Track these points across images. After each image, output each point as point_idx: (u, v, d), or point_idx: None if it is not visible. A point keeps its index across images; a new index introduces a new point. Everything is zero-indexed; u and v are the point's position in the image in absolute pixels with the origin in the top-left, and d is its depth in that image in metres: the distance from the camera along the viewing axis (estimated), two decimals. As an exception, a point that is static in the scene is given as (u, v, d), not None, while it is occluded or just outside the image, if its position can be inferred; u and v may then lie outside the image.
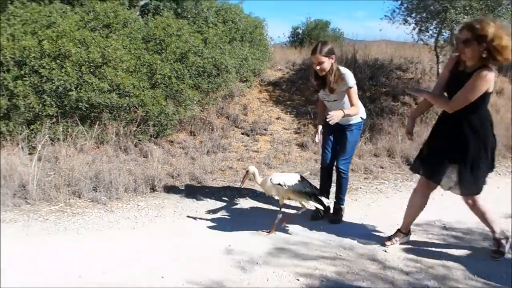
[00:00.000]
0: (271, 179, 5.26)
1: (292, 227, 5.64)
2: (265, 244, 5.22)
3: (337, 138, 5.84)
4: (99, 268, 4.58)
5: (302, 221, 5.75)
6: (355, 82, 5.48)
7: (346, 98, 5.51)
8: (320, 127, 5.86)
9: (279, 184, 5.22)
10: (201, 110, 9.47)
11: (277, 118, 10.03)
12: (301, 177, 5.42)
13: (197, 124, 9.14)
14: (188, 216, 6.03)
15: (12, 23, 8.51)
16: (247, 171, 5.47)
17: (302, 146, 9.06)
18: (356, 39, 16.79)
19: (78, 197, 6.52)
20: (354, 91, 5.47)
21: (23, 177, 6.53)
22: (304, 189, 5.27)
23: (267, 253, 5.00)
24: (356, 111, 5.54)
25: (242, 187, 6.42)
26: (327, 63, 5.32)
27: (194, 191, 6.94)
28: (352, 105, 5.45)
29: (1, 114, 7.82)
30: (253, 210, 6.34)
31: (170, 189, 6.92)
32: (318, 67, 5.36)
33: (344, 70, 5.46)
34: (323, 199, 5.38)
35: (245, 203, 6.53)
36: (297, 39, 19.41)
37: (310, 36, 18.93)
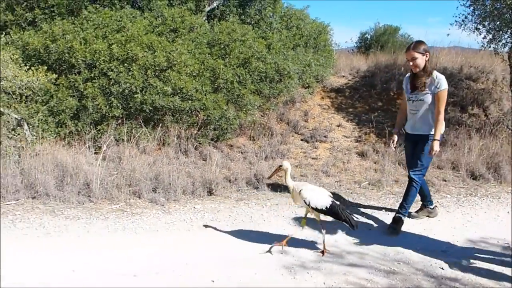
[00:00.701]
0: (301, 191, 5.01)
1: (349, 236, 5.49)
2: (318, 250, 5.12)
3: (414, 148, 5.88)
4: (153, 268, 4.66)
5: (360, 231, 5.57)
6: (447, 87, 5.53)
7: (429, 103, 5.57)
8: (395, 137, 6.05)
9: (304, 200, 4.98)
10: (262, 115, 9.48)
11: (338, 126, 9.84)
12: (332, 200, 5.04)
13: (257, 129, 9.14)
14: (242, 221, 6.03)
15: (85, 27, 8.92)
16: (280, 166, 5.23)
17: (362, 155, 8.81)
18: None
19: (138, 197, 6.69)
20: (444, 96, 5.50)
21: (88, 176, 6.80)
22: (327, 212, 4.98)
23: (319, 260, 4.90)
24: (441, 128, 5.61)
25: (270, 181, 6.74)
26: (421, 59, 5.49)
27: (250, 196, 6.94)
28: (438, 112, 5.49)
29: (71, 114, 8.19)
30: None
31: (227, 193, 6.95)
32: (411, 63, 5.54)
33: (439, 74, 5.61)
34: (350, 219, 5.01)
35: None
36: (365, 45, 18.97)
37: (378, 42, 18.40)
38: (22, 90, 7.62)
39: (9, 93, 7.84)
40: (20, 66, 7.66)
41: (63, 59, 8.40)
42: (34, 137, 7.58)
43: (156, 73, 8.24)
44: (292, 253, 5.07)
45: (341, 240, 5.47)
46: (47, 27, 8.96)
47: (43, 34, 8.83)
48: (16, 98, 7.90)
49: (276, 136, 9.03)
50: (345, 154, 8.79)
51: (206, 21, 10.89)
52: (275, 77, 9.33)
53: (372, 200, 7.01)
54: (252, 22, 11.00)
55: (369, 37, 19.42)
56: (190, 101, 8.24)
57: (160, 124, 8.30)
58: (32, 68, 7.73)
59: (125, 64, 8.20)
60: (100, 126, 8.12)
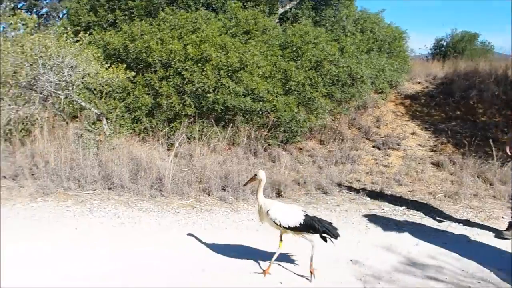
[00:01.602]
0: (268, 211, 4.42)
1: (421, 248, 5.24)
2: (392, 260, 4.91)
3: None
4: (221, 264, 4.67)
5: (436, 243, 5.30)
6: None
7: None
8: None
9: (274, 221, 4.43)
10: (332, 120, 9.33)
11: (412, 134, 9.48)
12: (305, 214, 4.44)
13: (327, 133, 9.01)
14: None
15: (162, 28, 9.19)
16: (255, 175, 4.66)
17: (437, 165, 8.41)
18: (509, 54, 15.32)
19: (207, 195, 6.77)
20: None
21: (161, 171, 6.96)
22: (303, 228, 4.37)
23: (393, 270, 4.70)
24: None
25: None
26: None
27: (319, 201, 6.81)
28: None
29: (146, 112, 8.46)
30: (381, 225, 6.00)
31: (296, 196, 6.87)
32: None
33: None
34: (330, 229, 4.43)
35: (373, 219, 6.20)
36: (440, 52, 18.31)
37: (455, 49, 17.73)
38: (103, 86, 7.96)
39: (90, 89, 8.23)
40: (102, 64, 8.00)
41: (141, 58, 8.71)
42: (112, 132, 7.89)
43: (229, 74, 8.32)
44: (364, 263, 4.90)
45: (413, 252, 5.22)
46: (127, 28, 9.34)
47: (123, 34, 9.21)
48: (97, 95, 8.27)
49: (347, 141, 8.84)
50: (419, 163, 8.43)
51: (279, 23, 10.91)
52: (347, 81, 9.16)
53: (448, 213, 6.66)
54: (326, 25, 10.88)
55: (445, 43, 18.74)
56: (261, 102, 8.25)
57: (231, 124, 8.37)
58: (112, 66, 8.06)
59: (199, 64, 8.36)
60: (173, 124, 8.32)
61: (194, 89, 8.19)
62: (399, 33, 11.65)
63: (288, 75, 8.63)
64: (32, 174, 7.15)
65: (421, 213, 6.49)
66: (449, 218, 6.40)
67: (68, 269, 4.51)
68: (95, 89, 8.13)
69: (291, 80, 8.59)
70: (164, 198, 6.60)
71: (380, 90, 10.30)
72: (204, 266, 4.61)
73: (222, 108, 8.19)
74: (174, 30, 9.08)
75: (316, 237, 4.46)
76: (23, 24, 7.76)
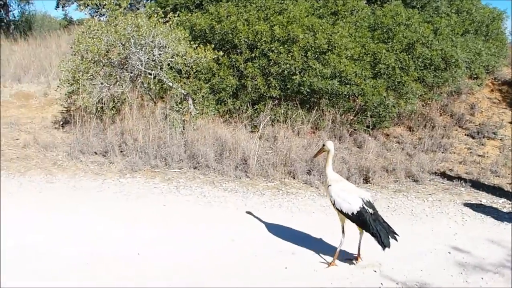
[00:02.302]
0: (329, 186, 4.21)
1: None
2: (496, 255, 4.53)
3: None
4: (312, 247, 4.54)
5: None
6: None
7: None
8: None
9: (330, 198, 4.20)
10: (423, 105, 8.83)
11: (510, 122, 8.77)
12: (368, 202, 4.13)
13: (416, 119, 8.55)
14: (402, 213, 5.62)
15: (248, 9, 9.08)
16: (324, 145, 4.37)
17: (540, 157, 7.74)
18: None
19: (292, 178, 6.64)
20: None
21: (246, 152, 6.92)
22: (353, 215, 4.07)
23: (498, 265, 4.34)
24: None
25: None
26: None
27: (409, 189, 6.47)
28: None
29: (231, 93, 8.44)
30: (480, 217, 5.57)
31: (384, 183, 6.57)
32: None
33: None
34: (381, 235, 4.01)
35: (470, 210, 5.78)
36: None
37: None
38: (189, 67, 8.01)
39: (177, 70, 8.32)
40: (190, 44, 8.05)
41: (226, 39, 8.67)
42: (197, 112, 7.94)
43: (316, 55, 8.09)
44: (463, 256, 4.56)
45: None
46: (213, 9, 9.33)
47: (209, 16, 9.21)
48: (183, 75, 8.36)
49: (438, 128, 8.33)
50: (518, 154, 7.80)
51: (367, 4, 10.45)
52: (440, 64, 8.58)
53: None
54: (417, 6, 10.29)
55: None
56: (348, 85, 7.95)
57: (316, 107, 8.15)
58: (200, 46, 8.08)
59: (286, 46, 8.19)
60: (257, 106, 8.24)
61: (280, 70, 8.04)
62: (498, 13, 10.77)
63: (378, 57, 8.24)
64: (121, 151, 7.37)
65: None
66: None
67: (154, 249, 4.59)
68: (181, 69, 8.21)
69: (380, 63, 8.19)
70: (248, 179, 6.56)
71: (476, 76, 9.60)
72: (294, 249, 4.50)
73: (307, 90, 7.99)
74: (261, 11, 8.94)
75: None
76: (116, 4, 7.97)
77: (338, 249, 4.25)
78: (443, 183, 6.75)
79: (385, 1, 10.40)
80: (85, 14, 9.30)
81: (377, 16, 9.10)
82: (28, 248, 4.47)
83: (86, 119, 7.96)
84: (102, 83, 8.02)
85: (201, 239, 4.71)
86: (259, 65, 8.27)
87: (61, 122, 8.91)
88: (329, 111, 8.10)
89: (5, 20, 19.28)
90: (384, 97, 8.00)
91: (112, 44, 7.75)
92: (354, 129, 8.14)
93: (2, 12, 19.35)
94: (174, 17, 8.26)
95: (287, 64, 7.98)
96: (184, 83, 8.27)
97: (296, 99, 8.22)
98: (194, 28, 9.07)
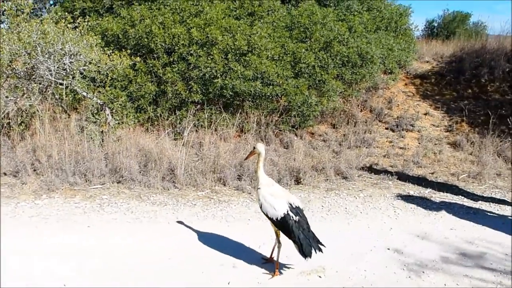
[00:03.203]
0: (259, 189, 4.16)
1: (465, 229, 4.96)
2: (431, 247, 4.62)
3: None
4: (253, 257, 4.36)
5: (475, 224, 5.02)
6: None
7: None
8: None
9: (259, 202, 4.14)
10: (344, 102, 8.98)
11: (425, 114, 9.18)
12: (297, 208, 4.03)
13: (339, 116, 8.68)
14: (337, 212, 5.62)
15: (163, 12, 8.73)
16: (254, 148, 4.27)
17: (455, 145, 8.15)
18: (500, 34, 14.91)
19: (223, 185, 6.43)
20: None
21: (172, 162, 6.60)
22: (277, 221, 3.98)
23: (435, 258, 4.42)
24: None
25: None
26: None
27: (340, 187, 6.51)
28: None
29: (150, 100, 8.06)
30: (411, 209, 5.70)
31: (316, 183, 6.55)
32: None
33: None
34: (303, 244, 3.88)
35: (400, 203, 5.90)
36: (432, 33, 18.00)
37: (447, 30, 17.40)
38: (104, 75, 7.53)
39: (91, 78, 7.79)
40: (103, 51, 7.57)
41: (142, 44, 8.28)
42: (116, 122, 7.49)
43: (237, 57, 7.93)
44: (402, 251, 4.61)
45: (451, 237, 4.94)
46: (125, 12, 8.87)
47: (121, 20, 8.75)
48: (98, 83, 7.85)
49: (360, 124, 8.52)
50: (436, 144, 8.16)
51: (282, 4, 10.47)
52: (357, 61, 8.76)
53: (476, 193, 6.38)
54: (330, 5, 10.48)
55: (436, 25, 18.47)
56: (271, 86, 7.88)
57: (240, 110, 8.00)
58: (114, 52, 7.63)
59: (205, 48, 7.96)
60: (179, 112, 7.94)
61: (201, 74, 7.80)
62: (404, 10, 11.24)
63: (297, 57, 8.25)
64: (35, 170, 6.75)
65: (449, 195, 6.23)
66: (478, 199, 6.14)
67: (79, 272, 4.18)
68: (96, 78, 7.70)
69: (300, 62, 8.21)
70: (177, 190, 6.25)
71: (390, 71, 9.94)
72: (235, 262, 4.30)
73: (230, 93, 7.81)
74: (176, 14, 8.62)
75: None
76: (18, 10, 7.29)
77: (277, 257, 4.10)
78: (371, 178, 6.87)
79: (299, 1, 10.49)
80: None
81: (294, 15, 9.11)
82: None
83: (-9, 137, 7.23)
84: (7, 97, 7.30)
85: (134, 261, 4.35)
86: (178, 69, 7.97)
87: (-39, 142, 8.03)
88: (253, 113, 7.98)
89: None
90: (307, 96, 8.02)
91: (16, 53, 7.07)
92: (280, 130, 8.09)
93: None
94: (84, 22, 7.72)
95: (208, 67, 7.76)
96: (100, 92, 7.75)
97: (219, 103, 8.02)
98: (106, 33, 8.56)
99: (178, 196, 6.06)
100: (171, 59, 8.10)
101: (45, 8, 17.29)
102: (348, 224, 5.27)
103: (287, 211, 3.94)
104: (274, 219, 3.97)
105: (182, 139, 7.30)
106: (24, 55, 7.02)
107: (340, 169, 6.87)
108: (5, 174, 6.70)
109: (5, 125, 7.37)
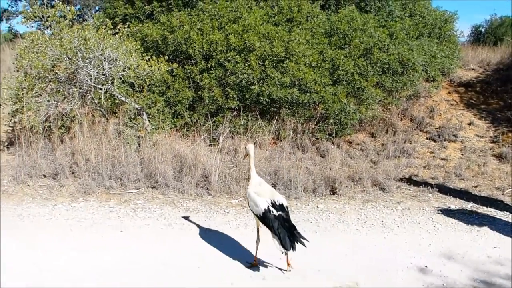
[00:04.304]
0: (247, 188, 4.52)
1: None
2: (471, 268, 4.39)
3: None
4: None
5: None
6: None
7: None
8: None
9: (247, 199, 4.44)
10: (383, 111, 8.75)
11: (469, 124, 8.83)
12: (279, 205, 4.26)
13: (378, 125, 8.46)
14: (373, 225, 5.44)
15: (201, 18, 8.77)
16: (245, 148, 4.72)
17: (500, 157, 7.78)
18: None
19: (257, 193, 6.34)
20: None
21: (206, 168, 6.58)
22: (259, 217, 4.25)
23: (474, 281, 4.18)
24: None
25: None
26: None
27: (377, 198, 6.30)
28: None
29: (187, 106, 8.09)
30: (451, 224, 5.45)
31: (352, 193, 6.38)
32: None
33: None
34: (281, 236, 4.06)
35: (440, 218, 5.66)
36: (478, 39, 17.40)
37: (495, 35, 16.80)
38: (143, 80, 7.61)
39: (129, 83, 7.90)
40: (142, 57, 7.66)
41: (180, 50, 8.32)
42: (153, 127, 7.55)
43: (274, 64, 7.85)
44: (437, 272, 4.40)
45: (494, 256, 4.66)
46: (165, 19, 8.96)
47: (161, 26, 8.84)
48: (136, 89, 7.95)
49: (400, 133, 8.28)
50: (480, 156, 7.81)
51: (321, 10, 10.34)
52: (398, 69, 8.53)
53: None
54: (371, 11, 10.27)
55: (483, 30, 17.88)
56: (308, 94, 7.76)
57: (276, 117, 7.92)
58: (153, 58, 7.71)
59: (242, 55, 7.92)
60: (216, 118, 7.92)
61: (238, 81, 7.76)
62: (449, 16, 10.90)
63: (336, 64, 8.10)
64: (73, 173, 6.88)
65: (493, 210, 5.93)
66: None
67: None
68: (134, 83, 7.80)
69: (339, 70, 8.05)
70: (211, 197, 6.22)
71: (432, 78, 9.64)
72: (265, 275, 4.21)
73: (267, 100, 7.73)
74: (214, 20, 8.63)
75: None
76: (61, 17, 7.47)
77: (255, 252, 4.40)
78: (410, 189, 6.64)
79: (340, 7, 10.33)
80: (30, 27, 8.74)
81: (333, 22, 8.97)
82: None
83: (33, 139, 7.40)
84: (48, 101, 7.50)
85: (167, 268, 4.33)
86: (215, 75, 7.97)
87: (6, 144, 8.29)
88: (289, 120, 7.88)
89: None
90: (345, 104, 7.86)
91: (58, 59, 7.24)
92: (316, 138, 7.95)
93: None
94: (124, 28, 7.84)
95: (245, 73, 7.71)
96: (138, 97, 7.84)
97: (255, 110, 7.96)
98: (146, 39, 8.67)
99: (211, 203, 6.03)
100: (209, 65, 8.11)
101: (91, 13, 17.82)
102: (384, 238, 5.08)
103: (268, 207, 4.22)
104: (258, 215, 4.27)
105: (218, 145, 7.28)
106: (66, 60, 7.17)
107: (377, 180, 6.66)
108: (44, 176, 6.87)
109: (46, 128, 7.54)
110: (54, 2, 7.76)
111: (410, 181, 6.92)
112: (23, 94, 7.37)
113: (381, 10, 10.27)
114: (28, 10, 7.67)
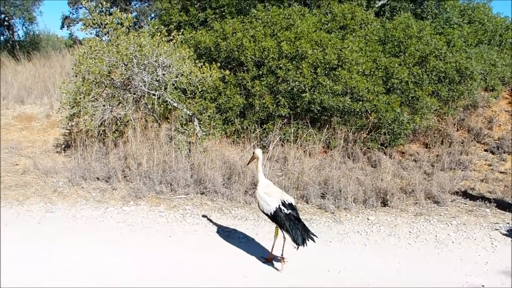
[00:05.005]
0: (256, 190, 4.77)
1: None
2: None
3: None
4: (334, 281, 4.17)
5: None
6: None
7: None
8: None
9: (258, 201, 4.70)
10: (438, 121, 8.45)
11: (531, 136, 8.38)
12: (289, 204, 4.51)
13: (433, 135, 8.18)
14: (426, 240, 5.24)
15: (254, 25, 8.81)
16: (253, 153, 4.95)
17: None
18: None
19: (305, 202, 6.28)
20: None
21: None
22: (271, 215, 4.51)
23: None
24: None
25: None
26: None
27: (431, 212, 6.07)
28: None
29: (238, 112, 8.12)
30: (507, 244, 5.17)
31: (404, 206, 6.18)
32: None
33: None
34: (293, 232, 4.31)
35: (499, 235, 5.38)
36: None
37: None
38: (195, 86, 7.72)
39: (181, 89, 8.03)
40: (195, 63, 7.77)
41: (232, 57, 8.38)
42: (204, 133, 7.62)
43: (326, 72, 7.76)
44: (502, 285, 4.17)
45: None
46: (218, 26, 9.06)
47: (214, 33, 8.94)
48: (188, 95, 8.07)
49: (455, 144, 7.95)
50: (543, 170, 7.40)
51: (376, 17, 10.16)
52: (455, 77, 8.21)
53: None
54: (427, 17, 9.99)
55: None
56: (361, 102, 7.61)
57: (327, 126, 7.81)
58: (205, 64, 7.80)
59: (294, 62, 7.89)
60: (266, 125, 7.91)
61: (289, 88, 7.73)
62: (511, 22, 10.43)
63: (390, 72, 7.90)
64: (125, 176, 7.06)
65: None
66: None
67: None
68: (186, 89, 7.92)
69: (393, 78, 7.86)
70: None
71: (491, 88, 9.22)
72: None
73: (318, 108, 7.65)
74: (267, 27, 8.65)
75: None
76: (118, 24, 7.70)
77: (271, 247, 4.67)
78: (465, 204, 6.36)
79: (395, 14, 10.11)
80: (88, 34, 9.05)
81: (387, 29, 8.78)
82: (25, 285, 4.13)
83: (88, 142, 7.67)
84: (104, 105, 7.75)
85: (212, 275, 4.35)
86: (266, 82, 7.97)
87: (63, 146, 8.63)
88: (341, 129, 7.75)
89: (10, 41, 19.25)
90: (398, 113, 7.65)
91: (114, 65, 7.47)
92: (368, 148, 7.78)
93: (7, 32, 19.32)
94: (178, 35, 7.99)
95: (296, 81, 7.67)
96: (189, 103, 7.96)
97: (306, 118, 7.89)
98: (199, 46, 8.80)
99: (259, 211, 5.93)
100: (260, 72, 8.13)
101: (146, 20, 18.34)
102: (438, 254, 4.88)
103: (279, 206, 4.46)
104: (269, 213, 4.51)
105: (267, 153, 7.26)
106: (122, 66, 7.38)
107: (431, 193, 6.43)
108: (98, 178, 7.07)
109: (101, 132, 7.78)
110: (112, 9, 8.02)
111: (466, 194, 6.63)
112: (80, 98, 7.64)
113: (438, 17, 9.99)
114: (88, 18, 7.94)
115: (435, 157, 7.72)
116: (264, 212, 4.62)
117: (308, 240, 4.30)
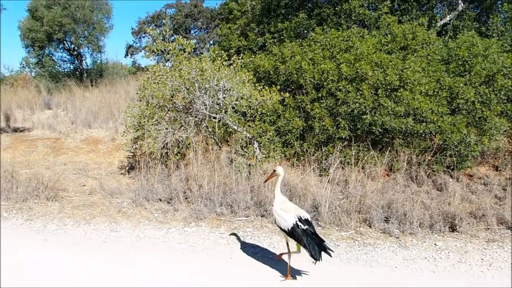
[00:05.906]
0: (272, 206, 4.90)
1: None
2: None
3: None
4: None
5: None
6: None
7: None
8: None
9: (274, 217, 4.80)
10: (509, 142, 8.04)
11: None
12: (305, 220, 4.60)
13: (503, 157, 7.77)
14: (500, 268, 4.92)
15: (313, 48, 8.83)
16: (274, 170, 5.03)
17: None
18: None
19: (368, 226, 6.10)
20: None
21: (316, 198, 6.48)
22: (288, 231, 4.58)
23: None
24: None
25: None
26: None
27: (504, 238, 5.72)
28: None
29: (297, 135, 8.10)
30: None
31: (474, 231, 5.86)
32: None
33: None
34: (311, 247, 4.41)
35: None
36: None
37: None
38: (254, 109, 7.79)
39: (241, 112, 8.13)
40: (255, 87, 7.86)
41: (291, 79, 8.42)
42: (263, 156, 7.64)
43: (387, 93, 7.61)
44: None
45: None
46: (277, 49, 9.16)
47: (273, 57, 9.04)
48: (247, 118, 8.15)
49: (528, 167, 7.52)
50: None
51: (438, 37, 9.91)
52: (525, 96, 7.83)
53: None
54: (493, 35, 9.64)
55: None
56: (424, 123, 7.39)
57: (389, 148, 7.61)
58: (265, 88, 7.88)
59: (354, 84, 7.80)
60: (326, 148, 7.82)
61: (349, 110, 7.63)
62: None
63: (455, 92, 7.64)
64: (186, 198, 7.16)
65: None
66: None
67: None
68: (246, 112, 8.01)
69: (458, 98, 7.59)
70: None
71: None
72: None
73: (379, 130, 7.48)
74: (326, 50, 8.65)
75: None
76: (180, 50, 7.95)
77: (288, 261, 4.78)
78: (542, 231, 5.95)
79: (457, 32, 9.83)
80: (152, 60, 9.43)
81: (451, 48, 8.53)
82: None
83: (151, 164, 7.87)
84: (167, 128, 7.96)
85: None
86: (326, 105, 7.92)
87: (127, 168, 8.91)
88: (403, 151, 7.53)
89: (79, 69, 20.41)
90: (465, 134, 7.35)
91: (177, 89, 7.70)
92: (433, 171, 7.49)
93: (77, 61, 20.52)
94: (238, 59, 8.14)
95: (357, 103, 7.56)
96: (249, 126, 8.03)
97: (367, 140, 7.74)
98: (258, 70, 8.92)
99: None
100: (320, 94, 8.09)
101: (205, 47, 18.89)
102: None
103: (296, 222, 4.57)
104: (286, 229, 4.61)
105: (328, 175, 7.16)
106: (184, 90, 7.58)
107: (504, 218, 6.07)
108: (160, 200, 7.22)
109: (163, 154, 7.97)
110: (174, 37, 8.31)
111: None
112: (144, 122, 7.90)
113: (505, 34, 9.61)
114: (152, 45, 8.27)
115: (507, 180, 7.31)
116: (281, 228, 4.71)
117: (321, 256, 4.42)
